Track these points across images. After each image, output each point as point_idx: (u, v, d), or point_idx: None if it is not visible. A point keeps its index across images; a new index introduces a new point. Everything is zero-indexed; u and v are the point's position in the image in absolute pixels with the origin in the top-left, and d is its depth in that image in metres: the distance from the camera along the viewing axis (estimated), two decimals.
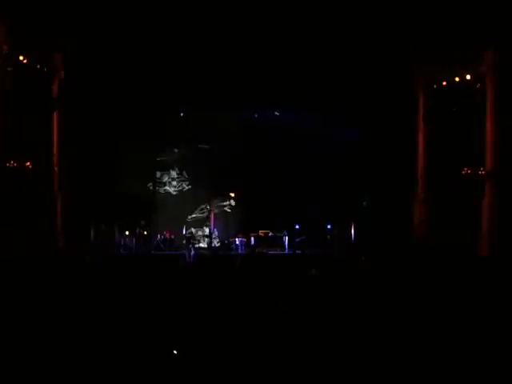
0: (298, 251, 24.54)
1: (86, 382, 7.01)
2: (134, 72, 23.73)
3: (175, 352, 7.76)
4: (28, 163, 21.83)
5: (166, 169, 27.29)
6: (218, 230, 26.62)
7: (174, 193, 27.45)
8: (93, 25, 22.08)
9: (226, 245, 25.72)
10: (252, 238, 25.56)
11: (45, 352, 7.86)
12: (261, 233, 26.21)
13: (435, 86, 24.15)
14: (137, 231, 25.46)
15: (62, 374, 7.13)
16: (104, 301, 11.64)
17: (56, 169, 23.23)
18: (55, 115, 23.24)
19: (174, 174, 27.37)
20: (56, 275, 15.64)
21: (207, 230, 25.83)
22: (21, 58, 21.41)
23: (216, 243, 26.01)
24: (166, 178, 27.41)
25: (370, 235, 23.77)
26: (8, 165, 21.08)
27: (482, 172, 22.56)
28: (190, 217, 26.74)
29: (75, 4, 21.29)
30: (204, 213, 26.11)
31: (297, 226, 26.03)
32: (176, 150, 27.00)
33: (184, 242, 25.24)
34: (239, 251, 24.77)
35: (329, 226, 25.82)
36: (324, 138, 26.63)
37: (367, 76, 23.91)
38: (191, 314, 10.41)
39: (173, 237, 25.94)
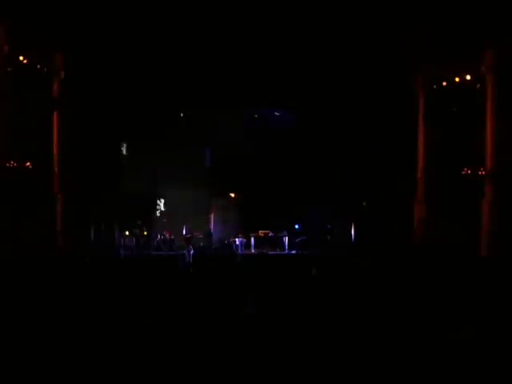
0: (298, 251, 24.55)
1: (85, 381, 7.00)
2: (134, 72, 23.73)
3: (174, 352, 7.77)
4: (28, 163, 21.81)
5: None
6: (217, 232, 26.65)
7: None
8: (93, 25, 22.07)
9: (227, 245, 25.72)
10: (252, 239, 25.59)
11: (45, 351, 7.86)
12: (261, 233, 26.20)
13: (435, 86, 24.13)
14: (137, 231, 25.46)
15: (62, 371, 7.13)
16: (103, 300, 11.64)
17: (56, 169, 23.21)
18: (55, 115, 23.22)
19: None
20: (56, 275, 15.65)
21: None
22: (21, 58, 21.39)
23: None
24: None
25: (370, 235, 23.76)
26: (8, 165, 21.04)
27: (481, 172, 22.52)
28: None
29: (75, 4, 21.28)
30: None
31: (297, 226, 26.02)
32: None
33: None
34: (239, 251, 24.78)
35: (329, 226, 25.82)
36: (324, 137, 26.62)
37: (368, 76, 23.89)
38: (191, 313, 10.41)
39: (173, 237, 25.94)
